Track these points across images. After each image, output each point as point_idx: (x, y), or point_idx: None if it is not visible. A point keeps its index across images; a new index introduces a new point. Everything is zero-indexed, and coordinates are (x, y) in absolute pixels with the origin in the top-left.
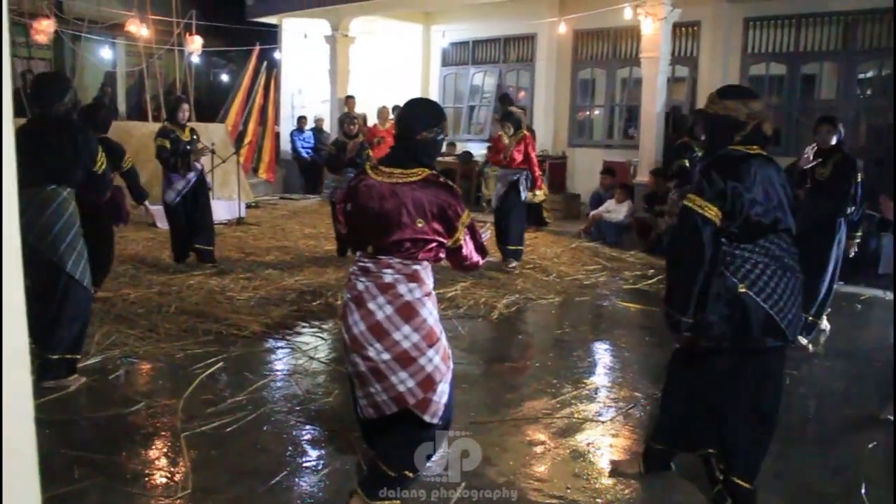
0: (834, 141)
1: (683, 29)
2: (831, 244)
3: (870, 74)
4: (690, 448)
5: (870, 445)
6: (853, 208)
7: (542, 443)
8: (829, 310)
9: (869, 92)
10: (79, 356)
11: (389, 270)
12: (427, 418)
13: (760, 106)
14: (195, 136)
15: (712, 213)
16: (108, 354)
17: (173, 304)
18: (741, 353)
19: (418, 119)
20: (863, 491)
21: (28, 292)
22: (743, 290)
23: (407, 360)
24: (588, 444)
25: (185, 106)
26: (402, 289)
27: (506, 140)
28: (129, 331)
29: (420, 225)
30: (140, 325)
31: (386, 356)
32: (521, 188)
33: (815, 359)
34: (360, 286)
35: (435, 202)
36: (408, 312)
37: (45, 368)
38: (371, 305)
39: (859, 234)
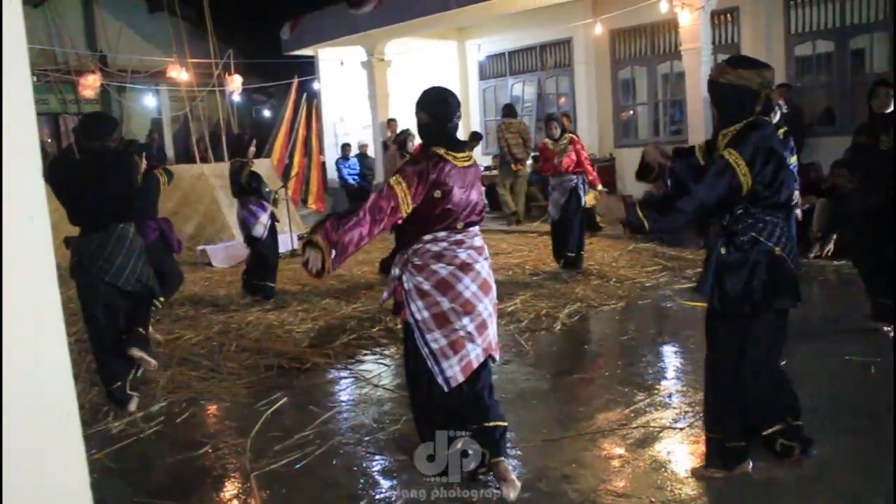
0: (892, 107)
1: (722, 16)
2: None
3: None
4: (760, 427)
5: None
6: None
7: (620, 456)
8: None
9: None
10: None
11: (478, 237)
12: (496, 356)
13: (772, 75)
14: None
15: (746, 179)
16: (173, 398)
17: (234, 343)
18: (764, 316)
19: (453, 105)
20: None
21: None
22: (779, 252)
23: (495, 309)
24: (668, 454)
25: (255, 141)
26: (485, 250)
27: (551, 146)
28: (193, 372)
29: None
30: (202, 365)
31: (490, 308)
32: (581, 193)
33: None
34: (463, 255)
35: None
36: (491, 269)
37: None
38: (477, 267)
39: None
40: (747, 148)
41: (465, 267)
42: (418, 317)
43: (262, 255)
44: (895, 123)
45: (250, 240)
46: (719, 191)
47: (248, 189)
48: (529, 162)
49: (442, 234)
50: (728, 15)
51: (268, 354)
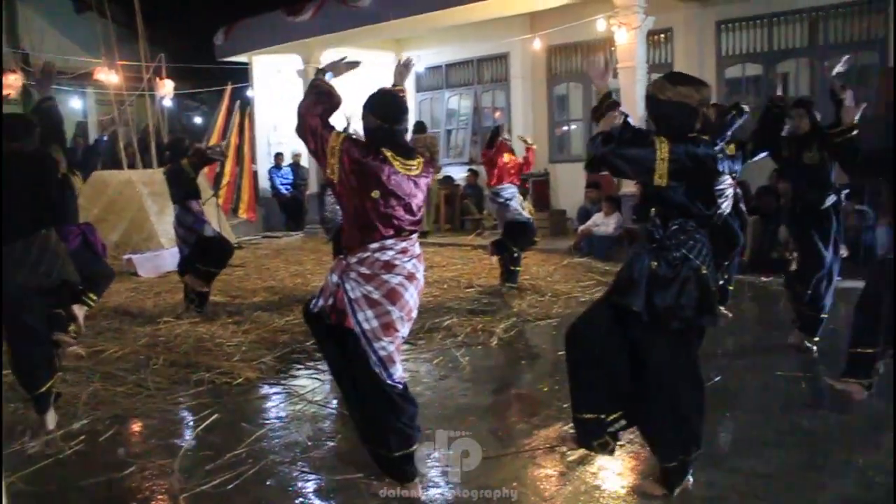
0: (808, 127)
1: (657, 37)
2: (841, 233)
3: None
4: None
5: None
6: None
7: (562, 473)
8: None
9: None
10: None
11: (417, 244)
12: None
13: (709, 93)
14: None
15: (661, 170)
16: (96, 415)
17: (161, 356)
18: (690, 333)
19: (402, 109)
20: None
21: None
22: (705, 271)
23: None
24: (608, 470)
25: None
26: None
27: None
28: (117, 388)
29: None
30: (128, 380)
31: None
32: (512, 204)
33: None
34: (409, 265)
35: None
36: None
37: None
38: (419, 276)
39: None
40: (679, 147)
41: (411, 277)
42: (366, 326)
43: (217, 248)
44: (818, 139)
45: (201, 242)
46: (635, 157)
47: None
48: (464, 174)
49: (389, 241)
50: (663, 35)
51: (197, 369)
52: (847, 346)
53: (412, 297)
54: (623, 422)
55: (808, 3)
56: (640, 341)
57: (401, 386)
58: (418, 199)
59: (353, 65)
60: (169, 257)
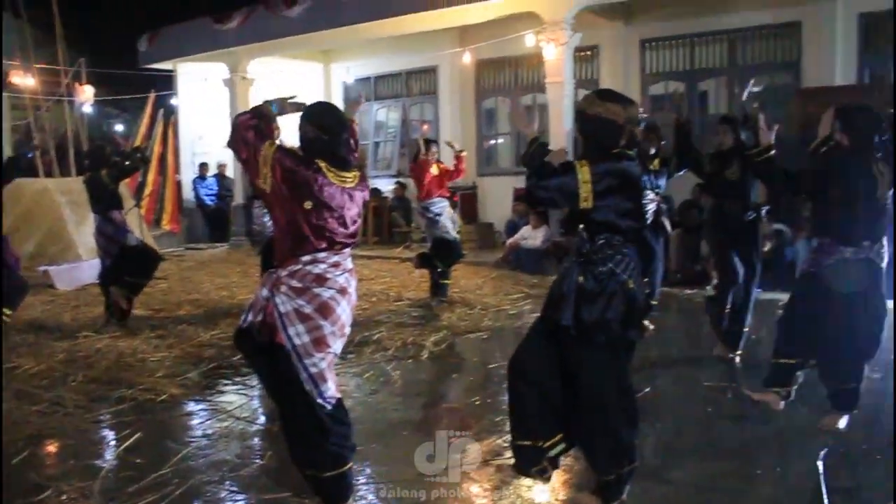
0: (731, 142)
1: (584, 53)
2: (758, 249)
3: (756, 88)
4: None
5: (822, 452)
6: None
7: (497, 487)
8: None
9: (756, 105)
10: None
11: (350, 258)
12: None
13: (636, 112)
14: None
15: (585, 192)
16: (8, 437)
17: (80, 373)
18: (618, 347)
19: (343, 121)
20: (825, 501)
21: None
22: (632, 286)
23: None
24: (544, 484)
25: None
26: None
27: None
28: (32, 407)
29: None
30: (44, 398)
31: (349, 329)
32: (441, 220)
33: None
34: (341, 279)
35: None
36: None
37: None
38: (350, 290)
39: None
40: (600, 169)
41: (343, 291)
42: (297, 341)
43: (142, 258)
44: (739, 156)
45: (124, 252)
46: (558, 186)
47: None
48: (392, 187)
49: (321, 255)
50: (589, 52)
51: (119, 385)
52: (769, 357)
53: (344, 311)
54: (562, 445)
55: (727, 26)
56: (570, 356)
57: (330, 405)
58: (353, 212)
59: (300, 106)
60: (88, 269)
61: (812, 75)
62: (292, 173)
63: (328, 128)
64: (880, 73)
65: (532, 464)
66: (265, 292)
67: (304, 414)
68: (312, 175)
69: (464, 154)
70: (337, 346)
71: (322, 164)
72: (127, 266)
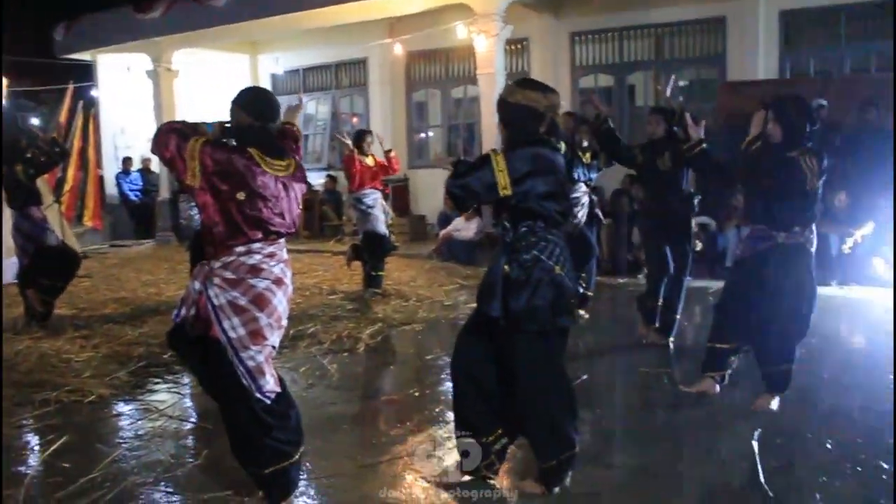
0: (662, 133)
1: (515, 46)
2: (690, 238)
3: (682, 83)
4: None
5: (756, 433)
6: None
7: (439, 478)
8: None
9: (681, 98)
10: None
11: (285, 249)
12: None
13: (557, 99)
14: None
15: (502, 182)
16: None
17: None
18: (551, 334)
19: (277, 106)
20: (762, 479)
21: None
22: (559, 271)
23: None
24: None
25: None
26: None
27: (369, 162)
28: None
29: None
30: None
31: (286, 321)
32: (374, 213)
33: (675, 354)
34: (276, 269)
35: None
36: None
37: None
38: (286, 281)
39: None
40: (515, 155)
41: (279, 282)
42: (232, 335)
43: (60, 259)
44: (671, 146)
45: (41, 252)
46: (475, 178)
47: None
48: (322, 180)
49: (256, 245)
50: (520, 45)
51: (42, 388)
52: (703, 342)
53: (281, 303)
54: (505, 440)
55: (654, 20)
56: (503, 346)
57: (269, 400)
58: (288, 202)
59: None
60: (5, 268)
61: (736, 69)
62: (224, 164)
63: (260, 114)
64: (800, 68)
65: (478, 459)
66: (197, 285)
67: (242, 410)
68: (245, 164)
69: (393, 154)
70: (274, 338)
71: (254, 153)
72: (44, 267)
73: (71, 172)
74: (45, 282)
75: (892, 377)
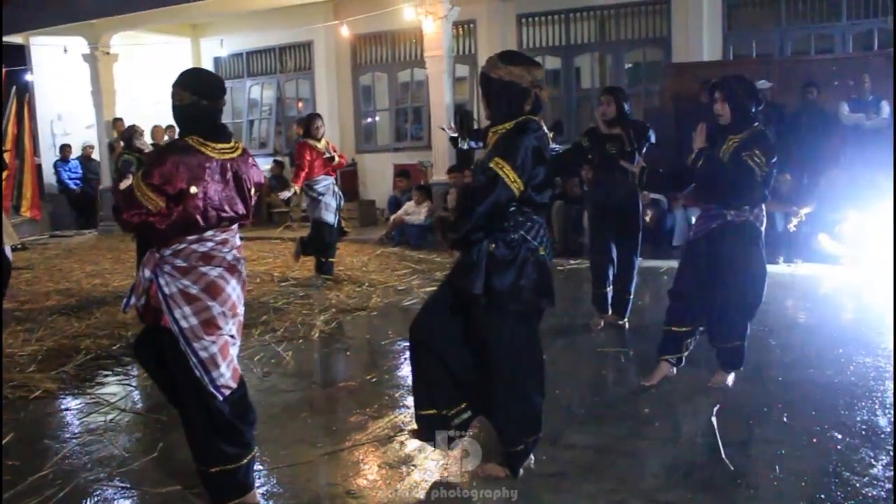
0: (614, 112)
1: (462, 28)
2: (639, 219)
3: (629, 65)
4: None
5: (714, 409)
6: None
7: (403, 461)
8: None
9: (627, 81)
10: None
11: (238, 235)
12: None
13: (541, 74)
14: None
15: (516, 186)
16: None
17: None
18: (530, 315)
19: (221, 85)
20: (723, 454)
21: None
22: (543, 253)
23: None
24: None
25: None
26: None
27: (320, 147)
28: None
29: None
30: None
31: (243, 309)
32: (324, 199)
33: (629, 333)
34: (229, 256)
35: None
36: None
37: None
38: (240, 268)
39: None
40: (515, 155)
41: (232, 269)
42: (184, 324)
43: None
44: (621, 128)
45: None
46: (493, 200)
47: None
48: (269, 166)
49: (208, 233)
50: (467, 26)
51: None
52: (658, 321)
53: (234, 290)
54: (467, 414)
55: (600, 2)
56: (481, 325)
57: (223, 396)
58: (238, 186)
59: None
60: None
61: (681, 51)
62: (169, 171)
63: (206, 92)
64: (743, 50)
65: (437, 430)
66: (148, 273)
67: (192, 403)
68: (189, 158)
69: (342, 158)
70: (229, 327)
71: (193, 141)
72: None
73: (7, 161)
74: None
75: (840, 351)
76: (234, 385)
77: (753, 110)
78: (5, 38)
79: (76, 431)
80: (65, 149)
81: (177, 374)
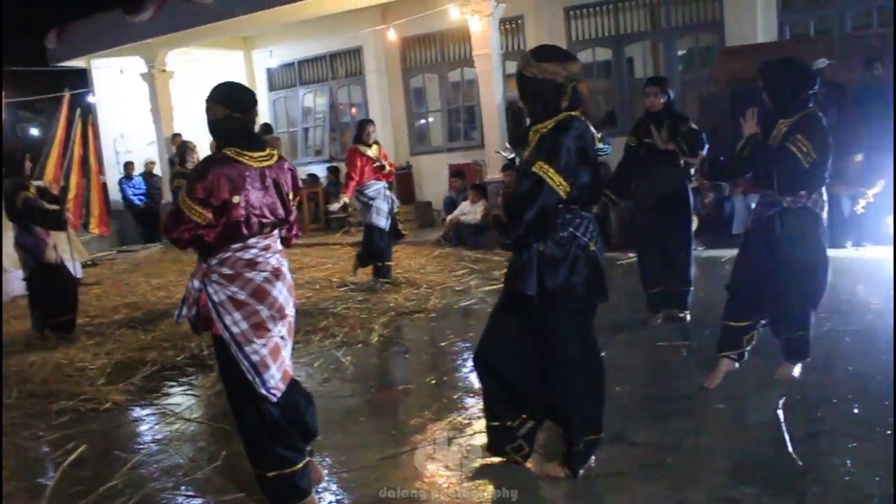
0: (663, 102)
1: (509, 24)
2: (689, 210)
3: (682, 52)
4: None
5: (780, 402)
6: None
7: (463, 465)
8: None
9: (681, 68)
10: None
11: (278, 241)
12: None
13: (577, 67)
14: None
15: (562, 188)
16: None
17: (15, 389)
18: (584, 312)
19: (252, 96)
20: (790, 448)
21: None
22: (593, 248)
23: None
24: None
25: (28, 156)
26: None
27: (370, 153)
28: None
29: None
30: None
31: (294, 310)
32: (374, 204)
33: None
34: (273, 260)
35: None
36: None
37: None
38: (284, 270)
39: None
40: (557, 157)
41: (277, 272)
42: (235, 330)
43: (57, 285)
44: (670, 119)
45: (39, 269)
46: (541, 205)
47: (24, 216)
48: (325, 175)
49: (251, 240)
50: (515, 23)
51: (58, 398)
52: (718, 313)
53: (281, 293)
54: (531, 423)
55: None
56: (536, 326)
57: (275, 397)
58: (277, 192)
59: None
60: (14, 280)
61: (735, 34)
62: (210, 184)
63: (239, 105)
64: (799, 29)
65: (504, 442)
66: (196, 283)
67: (247, 409)
68: (228, 169)
69: (392, 167)
70: (279, 328)
71: (231, 153)
72: (46, 298)
73: (74, 180)
74: (53, 321)
75: None
76: (283, 387)
77: (802, 93)
78: (68, 63)
79: (144, 442)
80: (128, 166)
81: (228, 380)
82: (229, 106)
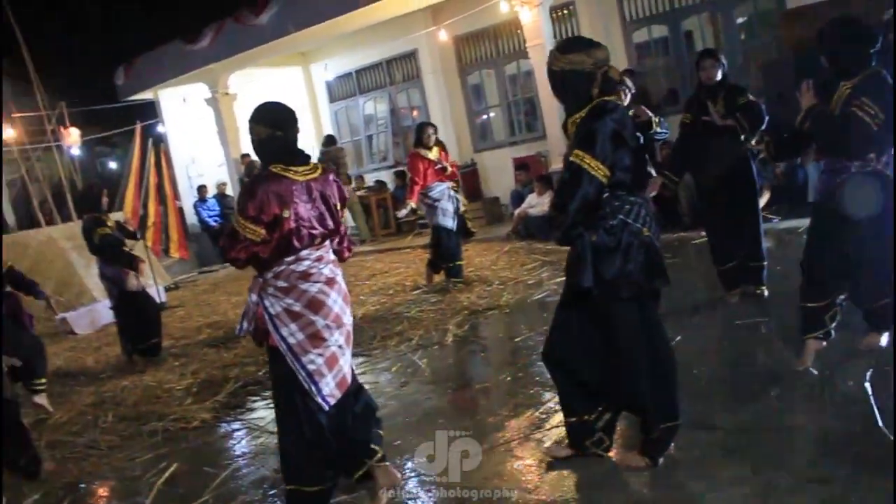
0: (719, 75)
1: (560, 11)
2: (754, 183)
3: (741, 20)
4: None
5: (867, 373)
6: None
7: (541, 460)
8: None
9: (742, 36)
10: None
11: (330, 251)
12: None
13: (604, 54)
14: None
15: (601, 173)
16: (47, 488)
17: (110, 413)
18: (645, 299)
19: (292, 115)
20: (880, 423)
21: None
22: (647, 234)
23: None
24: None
25: (105, 191)
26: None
27: (431, 156)
28: (67, 454)
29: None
30: (77, 444)
31: (350, 318)
32: (440, 205)
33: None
34: (326, 270)
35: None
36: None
37: None
38: (339, 280)
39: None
40: (593, 143)
41: (331, 282)
42: (291, 340)
43: (141, 311)
44: (725, 92)
45: (123, 297)
46: (583, 194)
47: (102, 251)
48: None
49: (304, 252)
50: (566, 10)
51: (149, 419)
52: (796, 289)
53: (336, 302)
54: (608, 415)
55: None
56: (599, 317)
57: (328, 404)
58: (325, 204)
59: None
60: (103, 310)
61: None
62: (260, 201)
63: (280, 124)
64: None
65: (584, 438)
66: (254, 297)
67: (290, 418)
68: (276, 186)
69: (454, 165)
70: (335, 338)
71: (277, 169)
72: (130, 324)
73: (152, 208)
74: (140, 346)
75: None
76: (339, 394)
77: (868, 51)
78: (137, 96)
79: (232, 456)
80: (201, 189)
81: (279, 391)
82: (271, 125)
